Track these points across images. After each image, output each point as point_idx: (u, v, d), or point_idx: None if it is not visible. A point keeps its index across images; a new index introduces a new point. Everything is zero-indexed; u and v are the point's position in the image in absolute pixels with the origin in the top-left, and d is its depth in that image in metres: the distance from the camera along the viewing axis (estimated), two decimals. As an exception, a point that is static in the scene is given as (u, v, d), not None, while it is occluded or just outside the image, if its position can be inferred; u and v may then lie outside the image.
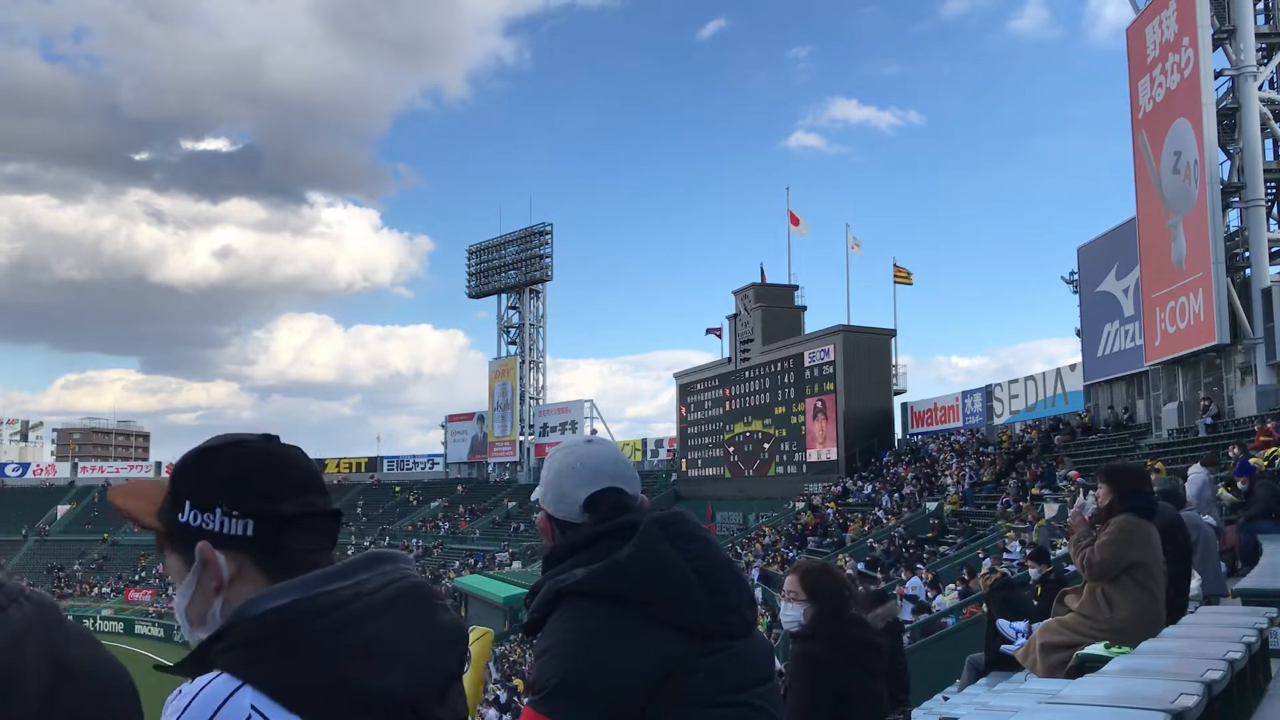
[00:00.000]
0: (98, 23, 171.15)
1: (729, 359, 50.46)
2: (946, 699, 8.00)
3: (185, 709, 1.05)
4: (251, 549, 1.22)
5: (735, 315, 50.19)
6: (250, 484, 1.24)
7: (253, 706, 1.04)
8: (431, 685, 1.17)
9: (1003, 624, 8.73)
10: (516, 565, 48.44)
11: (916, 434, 42.31)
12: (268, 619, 1.11)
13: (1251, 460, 15.29)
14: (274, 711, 1.05)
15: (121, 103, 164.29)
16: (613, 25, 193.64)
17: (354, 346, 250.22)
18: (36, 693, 0.92)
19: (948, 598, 18.38)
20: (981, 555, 21.01)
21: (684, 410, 54.18)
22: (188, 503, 1.24)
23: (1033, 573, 9.91)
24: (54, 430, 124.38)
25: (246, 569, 1.22)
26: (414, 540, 59.76)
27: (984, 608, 10.99)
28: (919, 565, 23.42)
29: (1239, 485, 13.92)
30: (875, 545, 28.99)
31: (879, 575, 24.93)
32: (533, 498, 2.03)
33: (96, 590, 61.84)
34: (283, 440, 1.34)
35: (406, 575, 1.24)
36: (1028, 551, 13.37)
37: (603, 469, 1.88)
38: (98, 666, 1.04)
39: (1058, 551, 14.08)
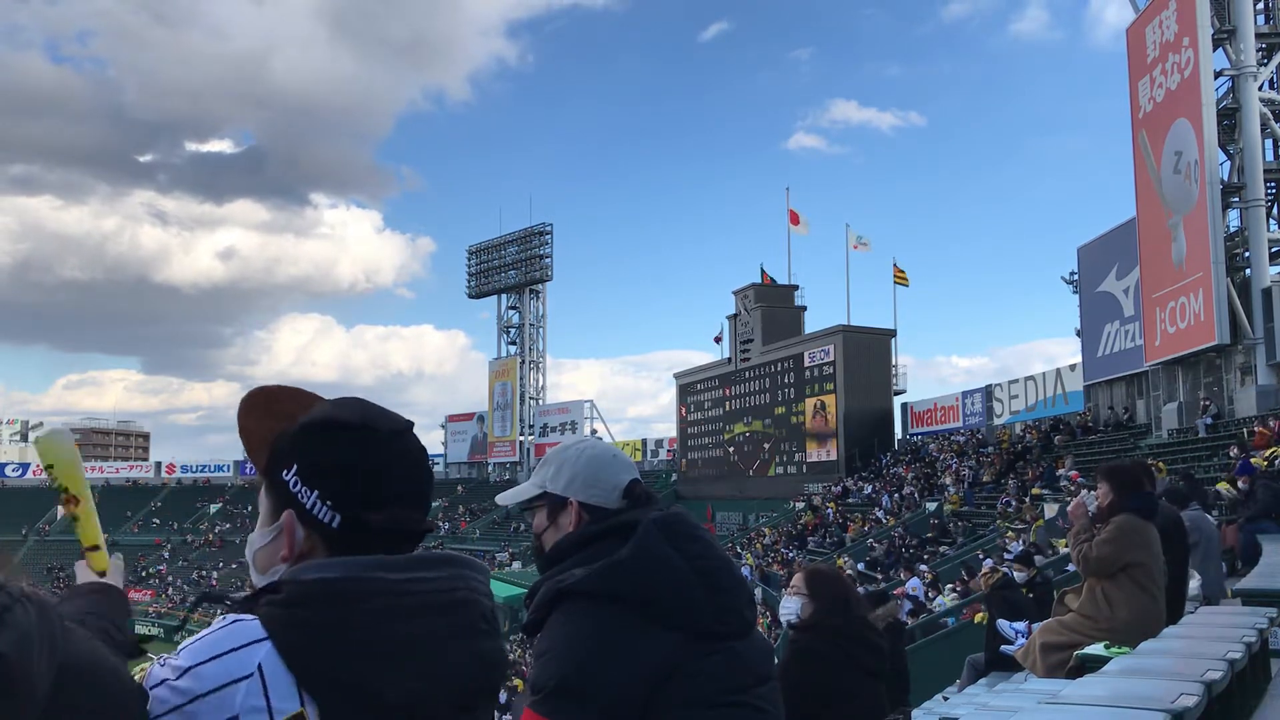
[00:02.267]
0: (103, 25, 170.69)
1: (729, 359, 50.44)
2: (946, 699, 7.98)
3: (214, 630, 1.11)
4: (329, 536, 1.23)
5: (735, 315, 50.16)
6: (353, 483, 1.23)
7: (260, 666, 1.08)
8: (446, 704, 1.17)
9: (1003, 624, 8.73)
10: (516, 565, 48.42)
11: (916, 434, 42.32)
12: (312, 587, 1.13)
13: (1252, 460, 15.30)
14: (277, 678, 1.08)
15: (126, 104, 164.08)
16: (615, 27, 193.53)
17: (355, 347, 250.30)
18: (43, 692, 0.93)
19: (948, 598, 18.37)
20: (981, 555, 21.01)
21: (684, 410, 54.16)
22: (296, 466, 1.25)
23: (1019, 576, 9.87)
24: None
25: (319, 550, 1.23)
26: (414, 540, 59.69)
27: (984, 607, 10.97)
28: (920, 565, 23.41)
29: (1239, 485, 13.93)
30: (875, 545, 29.00)
31: (879, 575, 24.98)
32: (512, 499, 1.98)
33: (96, 590, 61.80)
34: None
35: (465, 588, 1.23)
36: (1009, 555, 13.32)
37: (627, 460, 1.95)
38: (99, 666, 1.05)
39: (1060, 551, 14.08)
